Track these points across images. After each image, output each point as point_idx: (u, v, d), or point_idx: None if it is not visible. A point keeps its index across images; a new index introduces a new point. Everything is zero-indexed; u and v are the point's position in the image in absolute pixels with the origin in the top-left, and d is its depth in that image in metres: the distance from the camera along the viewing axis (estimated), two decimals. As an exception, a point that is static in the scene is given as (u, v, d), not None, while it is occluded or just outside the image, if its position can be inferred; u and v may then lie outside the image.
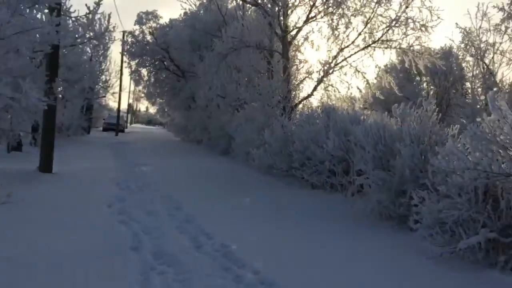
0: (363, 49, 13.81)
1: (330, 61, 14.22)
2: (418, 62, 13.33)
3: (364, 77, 14.64)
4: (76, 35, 13.12)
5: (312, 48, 15.03)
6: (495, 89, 4.89)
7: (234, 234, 5.92)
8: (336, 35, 13.94)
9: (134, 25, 28.27)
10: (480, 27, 21.57)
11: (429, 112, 7.32)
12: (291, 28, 14.73)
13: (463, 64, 24.32)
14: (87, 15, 11.21)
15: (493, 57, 21.90)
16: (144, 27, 28.29)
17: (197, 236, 5.83)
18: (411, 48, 13.11)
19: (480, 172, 4.78)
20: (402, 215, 6.41)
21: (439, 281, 4.56)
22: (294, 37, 14.94)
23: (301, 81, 15.53)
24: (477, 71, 22.55)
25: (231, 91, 16.25)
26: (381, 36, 13.38)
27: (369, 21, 13.39)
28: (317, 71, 14.70)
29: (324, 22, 14.33)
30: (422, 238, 5.42)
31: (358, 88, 15.05)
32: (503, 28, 20.49)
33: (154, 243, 5.47)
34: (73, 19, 11.48)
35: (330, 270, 4.79)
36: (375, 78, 18.55)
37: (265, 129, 12.62)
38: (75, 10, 11.19)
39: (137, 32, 28.34)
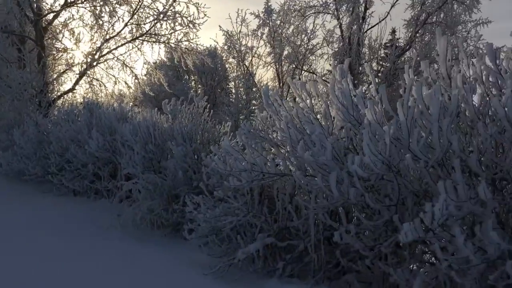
0: (130, 41, 12.76)
1: (94, 52, 12.71)
2: (187, 59, 12.97)
3: (133, 72, 13.61)
4: None
5: (73, 37, 13.23)
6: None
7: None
8: (100, 24, 12.52)
9: None
10: (240, 31, 23.04)
11: (201, 108, 6.81)
12: (47, 12, 12.63)
13: (227, 65, 25.66)
14: None
15: (251, 60, 23.69)
16: None
17: None
18: (180, 44, 12.65)
19: (257, 172, 4.35)
20: (176, 223, 5.68)
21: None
22: (50, 23, 12.87)
23: (61, 73, 13.55)
24: (239, 72, 24.04)
25: (-30, 81, 13.11)
26: (149, 29, 12.55)
27: (135, 12, 12.38)
28: (79, 63, 13.00)
29: (86, 8, 12.71)
30: (199, 248, 4.77)
31: (126, 84, 13.91)
32: (259, 34, 22.31)
33: None
34: None
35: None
36: (145, 75, 17.73)
37: (14, 128, 10.44)
38: None
39: None
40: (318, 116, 4.27)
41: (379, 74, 15.69)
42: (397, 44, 14.98)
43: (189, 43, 12.77)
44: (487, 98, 3.15)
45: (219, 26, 22.64)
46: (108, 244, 5.49)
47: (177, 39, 12.64)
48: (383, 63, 15.34)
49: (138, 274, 4.45)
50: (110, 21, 12.44)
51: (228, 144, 4.43)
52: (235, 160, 4.27)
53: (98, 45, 12.83)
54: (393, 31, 18.08)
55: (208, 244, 4.65)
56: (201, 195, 4.84)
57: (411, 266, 3.39)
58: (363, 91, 3.90)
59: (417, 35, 13.69)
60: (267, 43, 21.74)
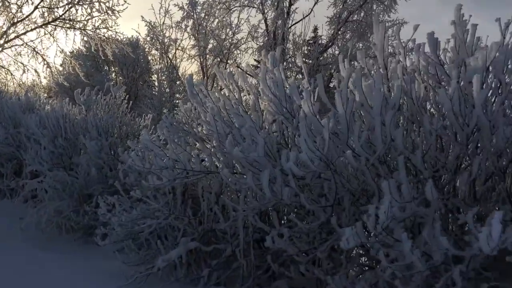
0: (41, 26, 11.55)
1: (-1, 36, 11.37)
2: (106, 48, 12.01)
3: (45, 60, 12.37)
4: None
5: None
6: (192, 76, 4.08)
7: None
8: (7, 6, 11.19)
9: None
10: (163, 23, 22.08)
11: (119, 99, 6.16)
12: None
13: (150, 57, 24.53)
14: None
15: (175, 53, 22.80)
16: None
17: None
18: (97, 31, 11.66)
19: (180, 170, 3.86)
20: (88, 226, 5.01)
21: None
22: None
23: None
24: (162, 65, 23.08)
25: None
26: (63, 14, 11.44)
27: (47, -7, 11.22)
28: (-19, 48, 11.56)
29: (-11, -13, 11.28)
30: (113, 255, 4.18)
31: (36, 72, 12.63)
32: (183, 26, 21.50)
33: None
34: None
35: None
36: (61, 65, 16.36)
37: None
38: None
39: None
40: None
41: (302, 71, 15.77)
42: (319, 42, 15.07)
43: (107, 31, 11.83)
44: (425, 91, 2.92)
45: (142, 16, 21.49)
46: (7, 250, 4.72)
47: (94, 26, 11.65)
48: (306, 60, 15.37)
49: (40, 284, 3.79)
50: (18, 3, 11.15)
51: (148, 138, 3.89)
52: (155, 156, 3.74)
53: (4, 29, 11.48)
54: (315, 29, 18.21)
55: (124, 251, 4.09)
56: (117, 195, 4.25)
57: (348, 271, 3.10)
58: (296, 81, 3.55)
59: (339, 32, 13.84)
60: (191, 36, 21.03)
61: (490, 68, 2.45)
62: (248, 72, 4.58)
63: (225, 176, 3.29)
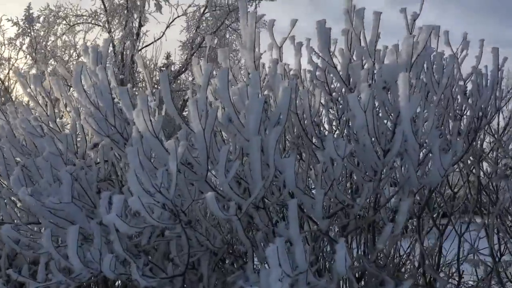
0: None
1: None
2: None
3: None
4: None
5: None
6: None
7: None
8: None
9: None
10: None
11: None
12: None
13: (-25, 77, 20.75)
14: None
15: (9, 73, 19.54)
16: None
17: None
18: None
19: None
20: None
21: None
22: None
23: None
24: (-9, 85, 19.56)
25: None
26: None
27: None
28: None
29: None
30: None
31: None
32: (18, 44, 18.56)
33: None
34: None
35: None
36: None
37: None
38: None
39: None
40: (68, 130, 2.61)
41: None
42: (172, 69, 14.14)
43: None
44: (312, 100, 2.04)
45: (-36, 30, 17.93)
46: None
47: None
48: (159, 86, 14.21)
49: None
50: None
51: None
52: None
53: None
54: (168, 56, 17.12)
55: None
56: None
57: None
58: (132, 89, 2.41)
59: (193, 58, 13.08)
60: (28, 55, 18.23)
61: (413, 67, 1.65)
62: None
63: (5, 234, 1.94)
